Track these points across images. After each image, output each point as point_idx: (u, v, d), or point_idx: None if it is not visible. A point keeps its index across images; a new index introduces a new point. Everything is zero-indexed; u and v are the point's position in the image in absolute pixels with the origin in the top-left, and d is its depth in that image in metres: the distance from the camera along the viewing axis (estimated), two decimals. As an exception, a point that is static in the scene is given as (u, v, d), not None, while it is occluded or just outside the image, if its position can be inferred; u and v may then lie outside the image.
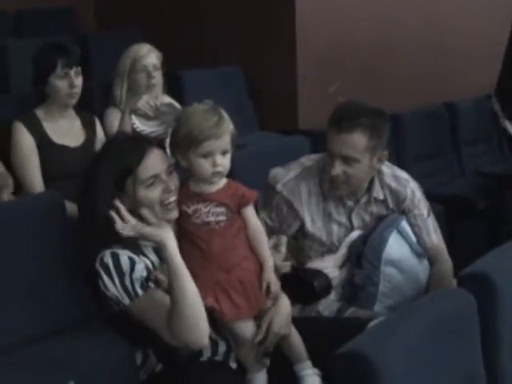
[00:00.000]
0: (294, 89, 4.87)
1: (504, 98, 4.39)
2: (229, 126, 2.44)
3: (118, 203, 2.36)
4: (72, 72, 3.48)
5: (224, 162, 2.43)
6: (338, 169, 2.78)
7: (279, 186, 2.92)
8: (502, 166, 4.99)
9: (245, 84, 4.99)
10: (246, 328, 2.47)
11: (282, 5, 4.88)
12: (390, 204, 2.96)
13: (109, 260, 2.34)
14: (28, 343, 2.54)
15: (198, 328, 2.30)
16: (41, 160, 3.43)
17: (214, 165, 2.41)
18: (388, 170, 2.99)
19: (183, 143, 2.42)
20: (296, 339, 2.53)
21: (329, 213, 2.92)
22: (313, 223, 2.91)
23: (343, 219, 2.93)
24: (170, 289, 2.30)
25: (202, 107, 2.45)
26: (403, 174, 3.02)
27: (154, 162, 2.41)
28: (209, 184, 2.46)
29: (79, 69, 3.51)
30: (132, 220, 2.35)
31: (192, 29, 5.31)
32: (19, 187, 3.34)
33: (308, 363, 2.51)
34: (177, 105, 3.85)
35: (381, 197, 2.94)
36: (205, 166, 2.41)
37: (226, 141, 2.42)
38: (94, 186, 2.40)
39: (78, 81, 3.51)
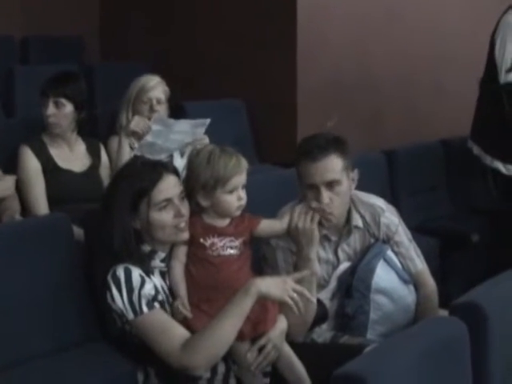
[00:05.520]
0: (294, 122, 4.92)
1: (485, 140, 4.27)
2: (245, 161, 2.58)
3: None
4: (50, 101, 3.50)
5: (244, 196, 2.57)
6: (327, 197, 2.78)
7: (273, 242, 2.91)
8: (494, 200, 5.00)
9: (246, 116, 5.03)
10: (243, 347, 2.51)
11: (284, 40, 4.95)
12: (371, 230, 2.99)
13: (121, 274, 2.42)
14: (29, 361, 2.56)
15: (210, 360, 2.39)
16: (46, 184, 3.48)
17: (239, 198, 2.54)
18: (364, 198, 3.03)
19: (209, 184, 2.52)
20: (297, 364, 2.56)
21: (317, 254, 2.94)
22: None
23: (330, 256, 2.96)
24: (221, 317, 2.36)
25: (213, 149, 2.56)
26: (379, 202, 3.06)
27: (168, 187, 2.50)
28: (222, 218, 2.57)
29: (61, 100, 3.51)
30: None
31: (194, 61, 5.38)
32: (24, 210, 3.39)
33: None
34: (168, 120, 3.69)
35: (360, 225, 2.97)
36: (232, 200, 2.53)
37: (245, 175, 2.57)
38: (112, 203, 2.49)
39: (51, 110, 3.50)
